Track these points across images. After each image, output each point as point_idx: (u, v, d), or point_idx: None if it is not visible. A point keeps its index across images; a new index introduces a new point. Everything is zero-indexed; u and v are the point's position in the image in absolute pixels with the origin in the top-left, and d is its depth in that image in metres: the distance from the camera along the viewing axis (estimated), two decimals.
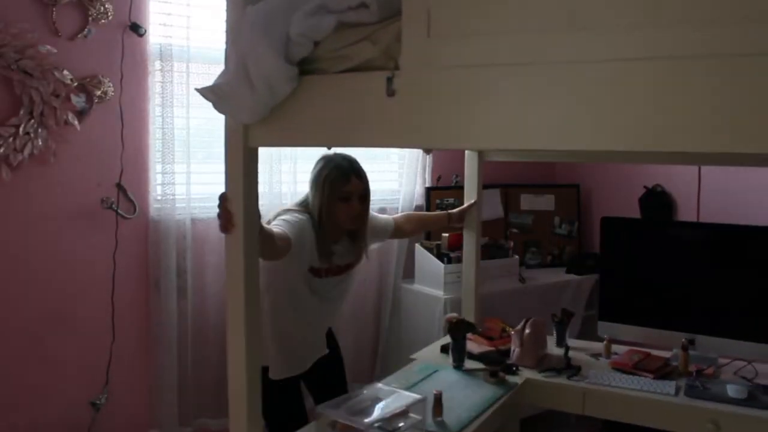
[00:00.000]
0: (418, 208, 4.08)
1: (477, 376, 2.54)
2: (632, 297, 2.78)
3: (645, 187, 3.84)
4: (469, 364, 2.66)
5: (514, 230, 4.34)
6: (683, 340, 2.57)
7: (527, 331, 2.66)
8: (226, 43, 1.78)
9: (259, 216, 1.92)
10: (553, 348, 2.86)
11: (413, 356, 2.79)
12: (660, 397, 2.36)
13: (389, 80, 1.58)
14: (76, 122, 2.95)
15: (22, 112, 2.82)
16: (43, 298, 2.99)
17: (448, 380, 2.50)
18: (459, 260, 3.35)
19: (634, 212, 3.96)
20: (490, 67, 1.45)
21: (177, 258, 3.33)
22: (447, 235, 3.68)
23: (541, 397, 2.59)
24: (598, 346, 2.84)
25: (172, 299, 3.32)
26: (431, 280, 3.76)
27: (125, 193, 3.16)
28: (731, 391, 2.32)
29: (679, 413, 2.32)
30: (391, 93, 1.58)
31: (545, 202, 4.40)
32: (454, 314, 2.89)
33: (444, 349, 2.81)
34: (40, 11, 2.85)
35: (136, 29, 3.05)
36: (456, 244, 3.53)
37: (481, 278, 3.14)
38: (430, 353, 2.85)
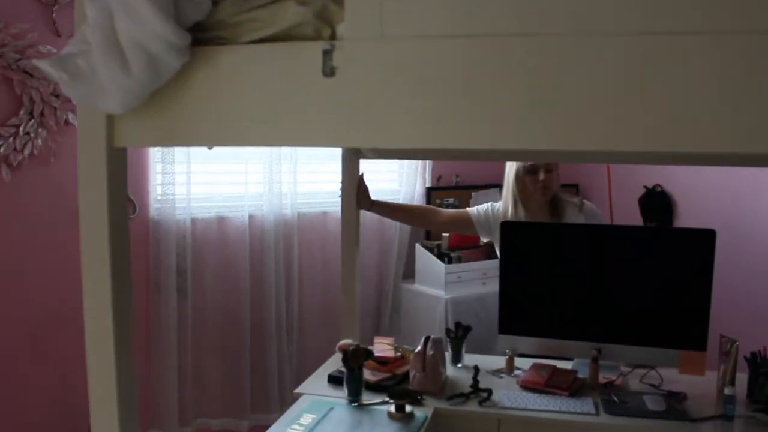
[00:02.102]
0: None
1: (379, 412, 2.16)
2: (533, 307, 2.55)
3: (645, 187, 3.77)
4: (366, 396, 2.25)
5: None
6: (593, 351, 2.39)
7: (430, 352, 2.33)
8: None
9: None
10: (448, 367, 2.55)
11: (298, 390, 2.34)
12: (581, 417, 2.15)
13: (326, 54, 1.17)
14: (76, 122, 2.98)
15: (22, 112, 2.85)
16: (42, 298, 3.03)
17: (345, 421, 2.08)
18: (460, 260, 3.37)
19: (634, 212, 3.92)
20: (470, 38, 1.09)
21: (177, 258, 3.38)
22: (447, 235, 3.66)
23: (453, 430, 2.24)
24: (495, 360, 2.59)
25: (172, 299, 3.37)
26: (431, 280, 3.74)
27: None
28: (650, 403, 2.22)
29: None
30: (328, 72, 1.17)
31: None
32: (349, 340, 2.51)
33: (333, 379, 2.39)
34: (40, 11, 2.88)
35: None
36: (457, 244, 3.50)
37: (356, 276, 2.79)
38: (318, 385, 2.39)
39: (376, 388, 2.30)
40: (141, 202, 3.28)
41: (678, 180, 3.75)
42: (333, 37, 1.19)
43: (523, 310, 2.53)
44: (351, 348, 2.26)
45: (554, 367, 2.44)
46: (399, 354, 2.50)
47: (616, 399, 2.25)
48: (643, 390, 2.34)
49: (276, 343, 3.69)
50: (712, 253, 2.33)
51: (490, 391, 2.27)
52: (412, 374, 2.33)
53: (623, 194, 4.05)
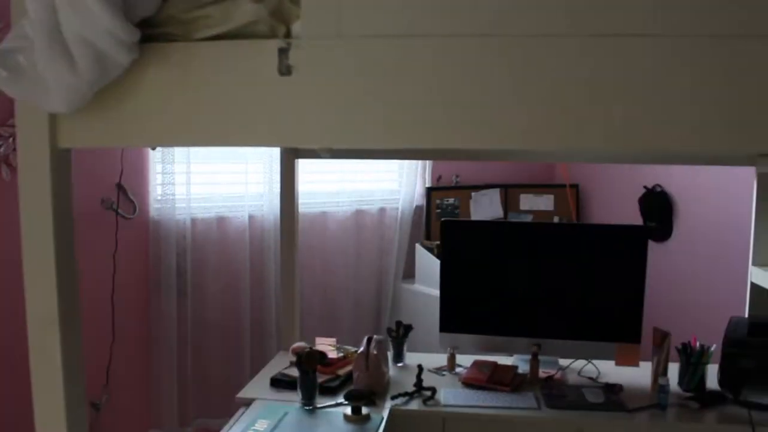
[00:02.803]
0: (418, 208, 4.12)
1: (334, 415, 2.12)
2: (474, 305, 2.58)
3: (645, 187, 3.76)
4: (319, 399, 2.21)
5: None
6: (534, 347, 2.43)
7: (374, 351, 2.32)
8: None
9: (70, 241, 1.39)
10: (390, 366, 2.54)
11: (241, 395, 2.29)
12: (524, 412, 2.19)
13: (282, 53, 1.15)
14: None
15: None
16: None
17: (303, 425, 2.05)
18: None
19: (634, 212, 3.88)
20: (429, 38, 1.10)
21: (177, 258, 3.38)
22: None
23: (402, 430, 2.19)
24: (435, 358, 2.60)
25: (172, 299, 3.37)
26: (431, 280, 3.69)
27: (125, 193, 3.20)
28: (589, 396, 2.27)
29: (546, 426, 2.19)
30: (285, 71, 1.15)
31: (544, 202, 4.35)
32: (302, 343, 2.47)
33: (276, 383, 2.35)
34: None
35: None
36: None
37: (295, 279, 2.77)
38: (260, 389, 2.33)
39: (323, 389, 2.27)
40: (141, 202, 3.28)
41: (678, 180, 3.72)
42: (288, 35, 1.16)
43: (463, 308, 2.56)
44: (305, 351, 2.23)
45: (495, 364, 2.48)
46: (341, 354, 2.49)
47: (556, 393, 2.30)
48: (582, 383, 2.41)
49: (276, 343, 3.64)
50: (645, 249, 2.42)
51: (434, 390, 2.29)
52: (355, 375, 2.32)
53: (623, 194, 4.03)
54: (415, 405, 2.24)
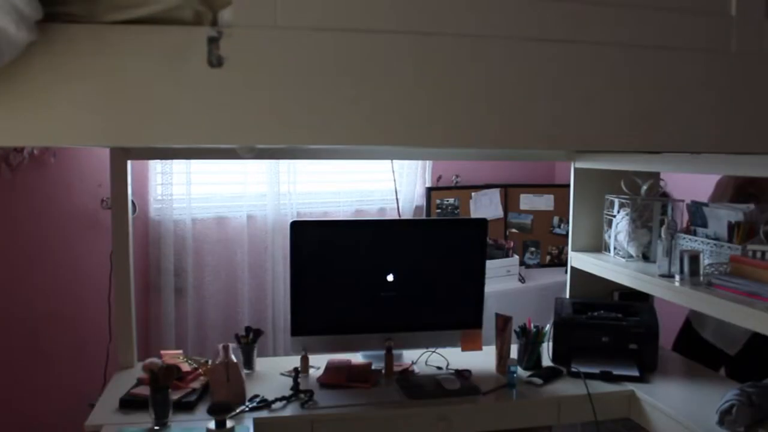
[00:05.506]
0: (418, 208, 4.08)
1: None
2: (324, 306, 2.55)
3: None
4: (173, 416, 2.02)
5: (514, 230, 4.31)
6: (387, 342, 2.47)
7: (232, 360, 2.20)
8: None
9: None
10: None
11: (89, 423, 2.04)
12: (389, 407, 2.21)
13: (212, 42, 1.06)
14: None
15: None
16: (42, 298, 3.10)
17: None
18: None
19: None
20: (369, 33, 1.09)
21: (176, 258, 3.45)
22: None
23: None
24: (288, 361, 2.54)
25: (171, 299, 3.44)
26: None
27: None
28: (446, 383, 2.35)
29: (413, 418, 2.22)
30: (215, 62, 1.06)
31: (544, 202, 4.35)
32: (155, 359, 2.25)
33: (126, 404, 2.13)
34: None
35: None
36: None
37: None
38: (106, 412, 2.08)
39: (178, 406, 2.11)
40: (141, 201, 3.34)
41: (678, 180, 3.92)
42: (215, 23, 1.07)
43: (315, 310, 2.52)
44: (162, 366, 2.05)
45: (350, 362, 2.49)
46: (193, 366, 2.34)
47: (414, 384, 2.35)
48: (434, 373, 2.49)
49: (274, 344, 3.71)
50: (484, 240, 2.57)
51: (311, 393, 2.24)
52: (213, 387, 2.19)
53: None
54: (288, 411, 2.15)
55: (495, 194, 4.29)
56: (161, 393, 1.99)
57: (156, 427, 1.97)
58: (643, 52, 1.26)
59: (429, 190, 4.17)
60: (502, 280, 3.97)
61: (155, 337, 3.45)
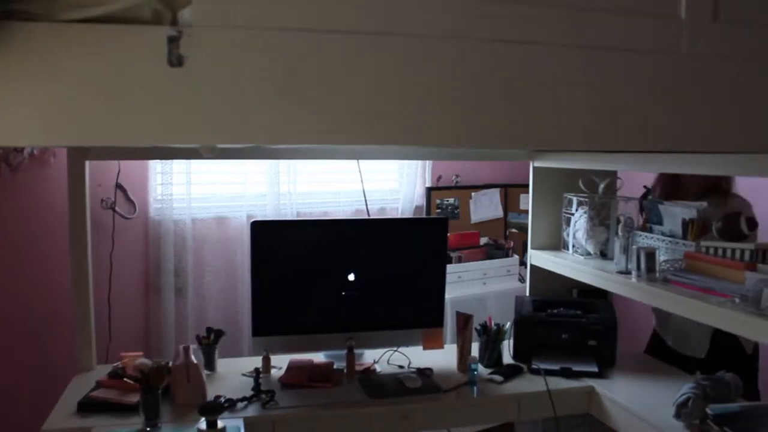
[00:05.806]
0: (418, 208, 4.05)
1: None
2: (285, 306, 2.54)
3: (645, 187, 3.61)
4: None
5: (514, 230, 4.28)
6: (349, 342, 2.48)
7: (195, 361, 2.19)
8: None
9: None
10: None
11: (46, 429, 1.99)
12: (351, 406, 2.21)
13: (172, 42, 1.05)
14: None
15: None
16: (42, 298, 3.09)
17: None
18: (460, 260, 3.40)
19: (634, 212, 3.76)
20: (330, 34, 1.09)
21: (176, 258, 3.44)
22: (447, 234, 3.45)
23: None
24: (243, 362, 2.55)
25: (171, 299, 3.44)
26: None
27: (125, 194, 3.28)
28: (407, 382, 2.35)
29: (375, 417, 2.23)
30: (175, 61, 1.06)
31: None
32: (144, 359, 2.23)
33: (85, 407, 2.07)
34: None
35: None
36: (457, 245, 3.50)
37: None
38: (64, 416, 2.03)
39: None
40: (141, 201, 3.34)
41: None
42: (175, 22, 1.07)
43: (276, 310, 2.51)
44: (153, 367, 2.02)
45: (311, 362, 2.48)
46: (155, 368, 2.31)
47: (375, 383, 2.36)
48: (396, 372, 2.49)
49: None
50: (445, 239, 2.60)
51: (273, 393, 2.22)
52: (174, 388, 2.17)
53: (623, 194, 4.12)
54: (249, 411, 2.13)
55: (495, 194, 4.30)
56: (152, 394, 1.98)
57: (147, 429, 1.95)
58: (597, 54, 1.29)
59: (429, 190, 4.16)
60: (502, 280, 4.00)
61: (155, 337, 3.45)
